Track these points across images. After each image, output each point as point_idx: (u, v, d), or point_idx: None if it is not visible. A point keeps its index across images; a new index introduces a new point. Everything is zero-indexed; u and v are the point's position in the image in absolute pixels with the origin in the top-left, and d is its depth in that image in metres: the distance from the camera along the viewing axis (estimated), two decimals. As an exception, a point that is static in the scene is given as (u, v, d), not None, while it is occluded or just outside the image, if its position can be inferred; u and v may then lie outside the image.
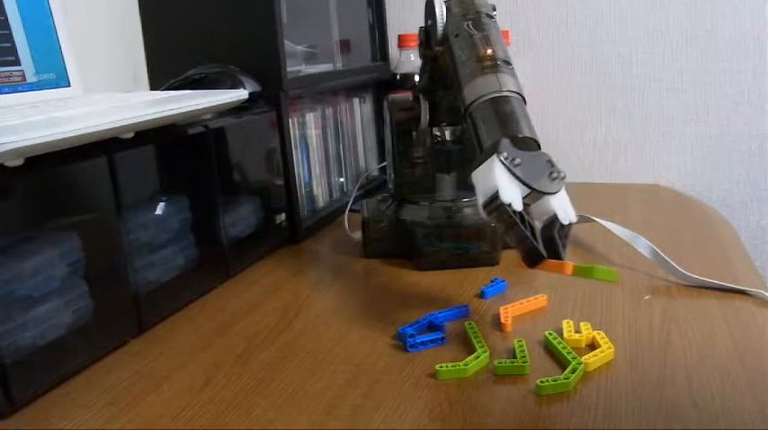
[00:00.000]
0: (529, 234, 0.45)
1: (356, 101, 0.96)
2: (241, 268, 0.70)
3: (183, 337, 0.56)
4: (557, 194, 0.48)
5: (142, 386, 0.48)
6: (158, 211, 0.57)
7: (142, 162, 0.56)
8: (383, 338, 0.53)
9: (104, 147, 0.51)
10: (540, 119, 1.06)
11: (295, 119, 0.79)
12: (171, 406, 0.45)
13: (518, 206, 0.46)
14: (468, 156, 0.73)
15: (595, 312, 0.56)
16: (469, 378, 0.47)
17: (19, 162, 0.43)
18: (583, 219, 0.77)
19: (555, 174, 0.48)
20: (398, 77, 1.01)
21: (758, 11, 0.93)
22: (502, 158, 0.47)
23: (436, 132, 0.75)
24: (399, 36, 1.00)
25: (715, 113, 0.98)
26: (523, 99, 0.53)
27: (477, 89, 0.53)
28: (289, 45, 0.78)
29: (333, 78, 0.89)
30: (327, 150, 0.87)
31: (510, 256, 0.70)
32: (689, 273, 0.60)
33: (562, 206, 0.48)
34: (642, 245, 0.66)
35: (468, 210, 0.70)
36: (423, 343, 0.51)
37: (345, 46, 0.97)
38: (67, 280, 0.48)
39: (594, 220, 0.74)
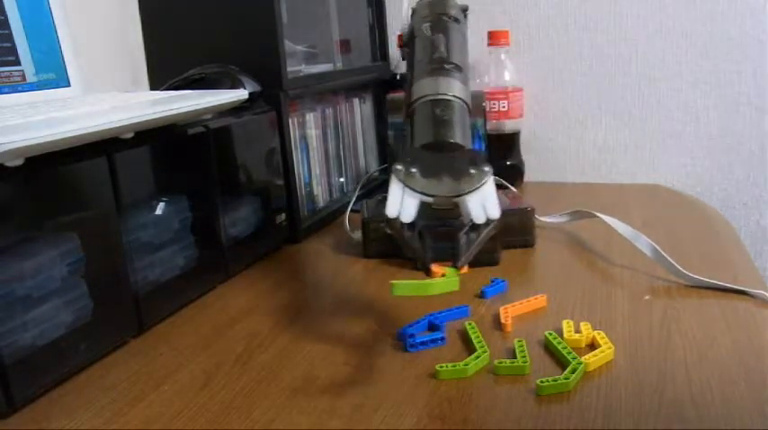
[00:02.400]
0: (409, 241, 0.48)
1: (356, 101, 0.96)
2: (241, 268, 0.70)
3: (183, 337, 0.56)
4: (473, 194, 0.47)
5: (142, 386, 0.48)
6: (158, 211, 0.57)
7: (142, 162, 0.56)
8: (383, 338, 0.53)
9: (104, 147, 0.51)
10: (540, 119, 1.06)
11: (295, 119, 0.79)
12: (171, 406, 0.45)
13: (405, 218, 0.47)
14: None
15: (595, 312, 0.56)
16: (469, 378, 0.47)
17: (19, 162, 0.43)
18: (585, 215, 0.77)
19: (474, 171, 0.47)
20: (398, 77, 1.01)
21: (758, 11, 0.93)
22: (396, 168, 0.48)
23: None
24: (399, 36, 0.99)
25: (715, 113, 0.98)
26: (468, 105, 0.53)
27: (421, 89, 0.52)
28: (289, 45, 0.78)
29: (333, 78, 0.89)
30: (327, 150, 0.87)
31: (510, 256, 0.70)
32: (689, 273, 0.60)
33: (478, 205, 0.47)
34: (643, 243, 0.66)
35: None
36: (423, 343, 0.51)
37: (345, 46, 0.97)
38: (67, 280, 0.48)
39: (597, 216, 0.74)
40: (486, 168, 0.47)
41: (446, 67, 0.53)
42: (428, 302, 0.59)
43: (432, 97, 0.51)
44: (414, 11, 0.61)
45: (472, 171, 0.47)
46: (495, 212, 0.47)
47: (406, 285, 0.47)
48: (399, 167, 0.48)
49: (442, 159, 0.48)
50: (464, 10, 0.60)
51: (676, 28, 0.97)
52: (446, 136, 0.49)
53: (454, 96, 0.51)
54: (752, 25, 0.93)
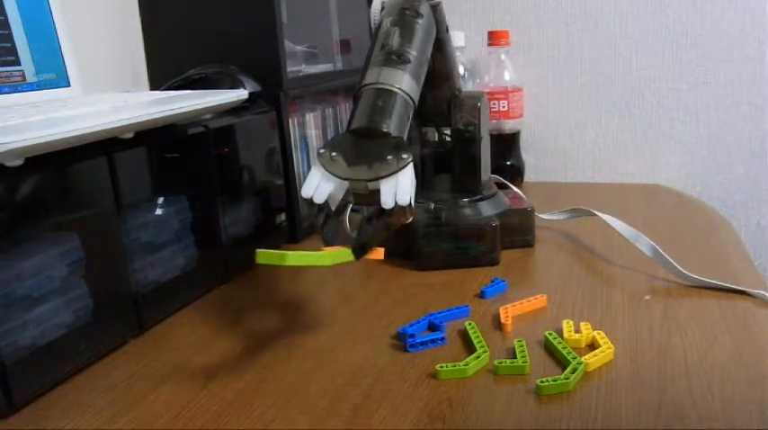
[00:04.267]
0: (319, 223, 0.50)
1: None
2: (241, 268, 0.70)
3: (183, 337, 0.56)
4: (388, 179, 0.47)
5: (142, 386, 0.48)
6: (158, 211, 0.57)
7: (142, 162, 0.56)
8: (383, 338, 0.53)
9: (104, 147, 0.51)
10: (541, 119, 1.06)
11: (295, 119, 0.79)
12: (171, 406, 0.45)
13: (317, 199, 0.49)
14: (457, 157, 0.73)
15: (595, 312, 0.56)
16: (469, 378, 0.47)
17: (19, 162, 0.43)
18: (585, 213, 0.77)
19: (390, 158, 0.47)
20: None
21: (758, 11, 0.93)
22: (319, 152, 0.49)
23: (434, 132, 0.75)
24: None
25: (715, 113, 0.98)
26: (413, 101, 0.53)
27: (369, 76, 0.53)
28: (289, 45, 0.78)
29: (333, 78, 0.89)
30: (327, 150, 0.87)
31: (510, 256, 0.70)
32: (689, 273, 0.60)
33: (390, 191, 0.47)
34: (643, 243, 0.66)
35: (467, 211, 0.70)
36: (423, 343, 0.51)
37: (345, 46, 0.97)
38: (67, 280, 0.48)
39: (596, 214, 0.74)
40: (405, 156, 0.48)
41: (394, 58, 0.54)
42: (428, 302, 0.59)
43: (374, 86, 0.52)
44: (383, 6, 0.61)
45: (389, 157, 0.48)
46: (404, 199, 0.47)
47: (270, 254, 0.45)
48: (322, 151, 0.49)
49: (368, 145, 0.49)
50: (434, 6, 0.60)
51: (676, 28, 0.97)
52: (377, 123, 0.50)
53: (397, 88, 0.52)
54: (752, 25, 0.93)
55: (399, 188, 0.47)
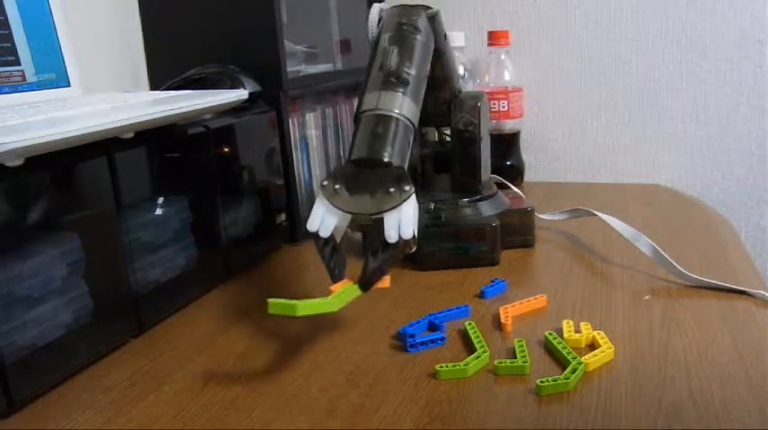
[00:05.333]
0: (325, 257, 0.50)
1: (356, 101, 0.96)
2: (241, 268, 0.70)
3: (183, 337, 0.56)
4: (391, 213, 0.48)
5: (142, 386, 0.48)
6: (158, 211, 0.57)
7: (142, 162, 0.56)
8: (383, 338, 0.53)
9: (104, 147, 0.51)
10: (541, 119, 1.06)
11: (295, 119, 0.79)
12: (171, 406, 0.45)
13: (323, 233, 0.50)
14: (457, 157, 0.73)
15: (595, 312, 0.56)
16: (469, 378, 0.47)
17: (19, 162, 0.43)
18: (585, 213, 0.77)
19: (393, 190, 0.48)
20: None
21: (758, 11, 0.93)
22: (323, 184, 0.50)
23: (434, 132, 0.75)
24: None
25: (715, 113, 0.98)
26: (413, 124, 0.53)
27: (369, 101, 0.53)
28: (289, 45, 0.78)
29: (333, 78, 0.89)
30: (327, 150, 0.87)
31: (510, 256, 0.70)
32: (689, 273, 0.60)
33: (394, 225, 0.48)
34: (643, 243, 0.66)
35: (467, 211, 0.70)
36: (423, 343, 0.51)
37: (345, 46, 0.97)
38: (67, 280, 0.48)
39: (596, 214, 0.74)
40: (407, 188, 0.48)
41: (393, 80, 0.53)
42: (428, 302, 0.59)
43: (374, 112, 0.52)
44: (381, 18, 0.60)
45: (392, 190, 0.48)
46: (408, 232, 0.48)
47: (281, 304, 0.44)
48: (326, 184, 0.50)
49: (370, 176, 0.49)
50: (432, 17, 0.59)
51: (676, 28, 0.97)
52: (378, 153, 0.50)
53: (397, 113, 0.52)
54: (752, 25, 0.93)
55: (403, 221, 0.48)
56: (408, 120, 0.52)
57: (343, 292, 0.47)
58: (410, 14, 0.58)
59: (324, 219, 0.50)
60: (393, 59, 0.55)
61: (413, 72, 0.55)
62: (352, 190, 0.49)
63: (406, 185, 0.48)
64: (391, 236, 0.48)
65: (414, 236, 0.48)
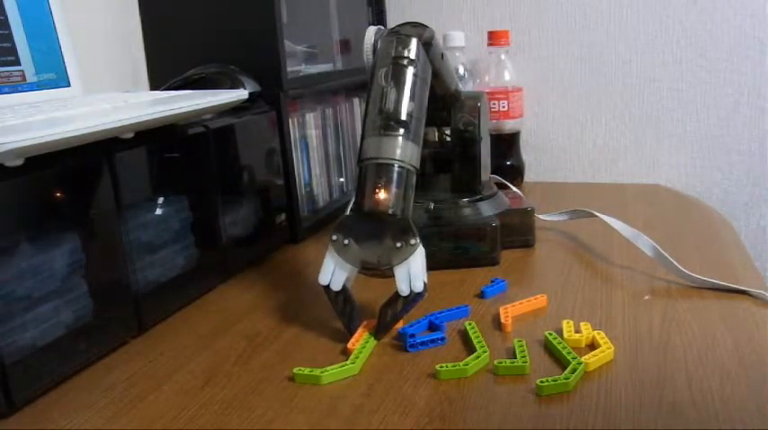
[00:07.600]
0: (338, 309, 0.54)
1: (356, 101, 0.96)
2: (241, 268, 0.70)
3: (183, 337, 0.56)
4: (401, 264, 0.51)
5: (142, 386, 0.48)
6: (158, 211, 0.57)
7: (142, 162, 0.56)
8: (383, 338, 0.53)
9: (104, 147, 0.51)
10: (541, 119, 1.06)
11: (295, 119, 0.79)
12: (171, 406, 0.45)
13: (335, 286, 0.53)
14: (457, 157, 0.73)
15: (595, 312, 0.56)
16: (469, 378, 0.47)
17: (19, 162, 0.43)
18: (585, 214, 0.77)
19: (400, 245, 0.51)
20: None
21: (758, 11, 0.93)
22: (332, 239, 0.52)
23: (434, 132, 0.75)
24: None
25: (715, 113, 0.98)
26: (414, 167, 0.53)
27: (370, 148, 0.53)
28: (289, 45, 0.78)
29: (333, 78, 0.89)
30: (327, 150, 0.87)
31: (510, 256, 0.70)
32: (689, 273, 0.60)
33: (404, 277, 0.51)
34: (643, 243, 0.66)
35: (467, 211, 0.70)
36: (423, 343, 0.51)
37: (345, 46, 0.97)
38: (67, 280, 0.48)
39: (596, 215, 0.74)
40: (413, 241, 0.51)
41: (392, 124, 0.53)
42: (428, 302, 0.59)
43: (376, 160, 0.53)
44: (375, 45, 0.59)
45: (399, 245, 0.51)
46: (418, 286, 0.51)
47: (307, 375, 0.47)
48: (335, 238, 0.52)
49: (377, 227, 0.51)
50: (427, 42, 0.57)
51: (676, 28, 0.97)
52: (383, 206, 0.51)
53: (398, 161, 0.53)
54: (752, 25, 0.93)
55: (412, 274, 0.51)
56: (410, 164, 0.53)
57: (363, 350, 0.50)
58: (404, 44, 0.56)
59: (335, 273, 0.53)
60: (390, 101, 0.54)
61: (411, 109, 0.54)
62: (360, 241, 0.52)
63: (411, 239, 0.51)
64: (402, 289, 0.51)
65: (425, 286, 0.51)
